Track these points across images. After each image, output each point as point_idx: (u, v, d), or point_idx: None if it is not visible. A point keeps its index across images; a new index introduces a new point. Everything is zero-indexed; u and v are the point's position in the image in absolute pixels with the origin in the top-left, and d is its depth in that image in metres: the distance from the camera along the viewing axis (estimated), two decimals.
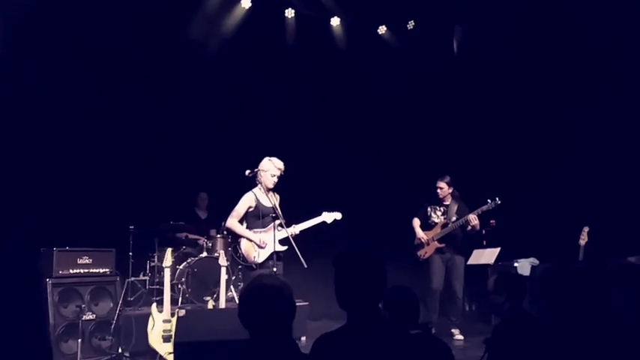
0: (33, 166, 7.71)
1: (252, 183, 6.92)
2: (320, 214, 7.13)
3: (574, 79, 9.01)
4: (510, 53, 9.72)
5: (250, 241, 6.81)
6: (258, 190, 6.91)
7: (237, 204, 6.91)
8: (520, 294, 4.37)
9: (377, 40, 10.71)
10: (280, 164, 6.89)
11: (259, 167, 6.88)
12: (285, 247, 6.78)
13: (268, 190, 6.88)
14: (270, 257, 6.75)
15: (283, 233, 6.76)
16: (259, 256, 6.76)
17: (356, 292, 2.87)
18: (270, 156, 6.92)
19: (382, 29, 10.71)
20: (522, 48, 9.64)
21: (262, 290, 2.90)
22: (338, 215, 7.20)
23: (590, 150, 8.71)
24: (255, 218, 6.88)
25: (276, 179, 6.89)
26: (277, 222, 6.72)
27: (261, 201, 6.87)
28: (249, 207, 6.87)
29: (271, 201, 6.86)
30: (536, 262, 8.77)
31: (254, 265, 6.80)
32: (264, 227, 6.85)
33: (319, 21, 10.38)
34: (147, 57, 8.87)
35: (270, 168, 6.85)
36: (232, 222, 6.87)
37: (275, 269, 6.63)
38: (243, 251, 6.86)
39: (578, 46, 8.90)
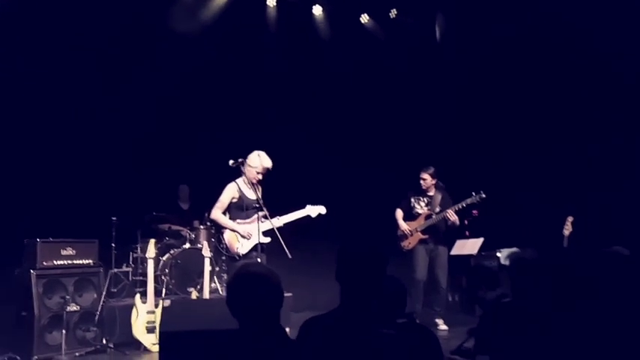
0: (15, 158, 7.64)
1: (235, 173, 6.83)
2: (304, 207, 7.08)
3: (559, 72, 9.07)
4: (495, 44, 9.75)
5: (235, 232, 6.74)
6: (241, 181, 6.80)
7: (221, 195, 6.83)
8: (495, 281, 4.38)
9: (360, 28, 10.68)
10: (268, 164, 6.75)
11: (247, 161, 6.75)
12: (269, 239, 6.72)
13: (252, 182, 6.80)
14: (254, 249, 6.69)
15: (267, 225, 6.68)
16: (242, 247, 6.73)
17: (355, 287, 2.94)
18: (258, 150, 6.81)
19: (365, 18, 10.70)
20: (506, 40, 9.66)
21: (250, 278, 2.89)
22: (322, 209, 7.13)
23: (576, 141, 8.77)
24: (239, 209, 6.80)
25: (260, 177, 6.78)
26: (261, 213, 6.66)
27: (244, 192, 6.78)
28: (233, 198, 6.78)
29: (255, 192, 6.78)
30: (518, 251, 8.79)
31: (237, 256, 6.76)
32: (247, 218, 6.79)
33: (301, 9, 10.34)
34: (129, 49, 8.77)
35: (257, 165, 6.72)
36: (216, 213, 6.80)
37: (259, 260, 6.58)
38: (227, 242, 6.83)
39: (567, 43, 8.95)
